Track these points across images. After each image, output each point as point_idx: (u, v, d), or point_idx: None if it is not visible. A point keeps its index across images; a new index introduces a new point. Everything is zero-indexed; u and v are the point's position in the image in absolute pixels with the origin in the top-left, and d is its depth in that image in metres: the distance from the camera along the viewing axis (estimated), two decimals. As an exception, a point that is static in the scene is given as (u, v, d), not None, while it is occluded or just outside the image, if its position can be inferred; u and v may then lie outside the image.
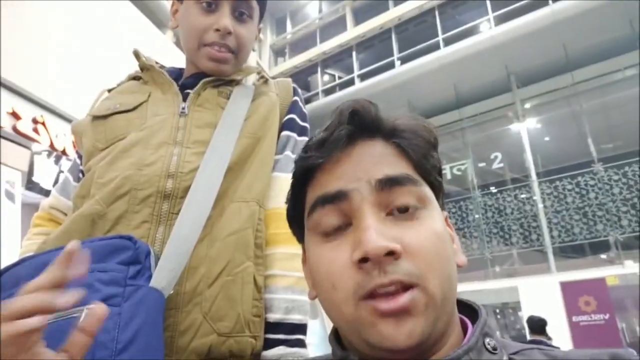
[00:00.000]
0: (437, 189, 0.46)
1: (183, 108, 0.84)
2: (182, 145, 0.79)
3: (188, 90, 0.88)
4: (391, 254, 0.39)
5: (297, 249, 0.75)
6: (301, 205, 0.49)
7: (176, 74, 0.95)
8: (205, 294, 0.70)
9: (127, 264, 0.62)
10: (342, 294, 0.41)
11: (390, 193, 0.42)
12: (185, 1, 0.90)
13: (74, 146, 0.91)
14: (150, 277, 0.64)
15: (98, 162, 0.79)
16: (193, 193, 0.73)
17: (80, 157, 0.92)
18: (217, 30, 0.86)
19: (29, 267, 0.63)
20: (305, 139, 0.94)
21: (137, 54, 0.95)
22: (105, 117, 0.85)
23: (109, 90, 0.96)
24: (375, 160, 0.44)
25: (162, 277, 0.64)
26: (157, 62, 0.97)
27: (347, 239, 0.42)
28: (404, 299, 0.38)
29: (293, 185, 0.50)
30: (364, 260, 0.39)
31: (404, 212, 0.42)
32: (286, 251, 0.81)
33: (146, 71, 0.93)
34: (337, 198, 0.43)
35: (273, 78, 1.01)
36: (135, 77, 0.96)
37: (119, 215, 0.72)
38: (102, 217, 0.72)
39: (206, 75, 0.89)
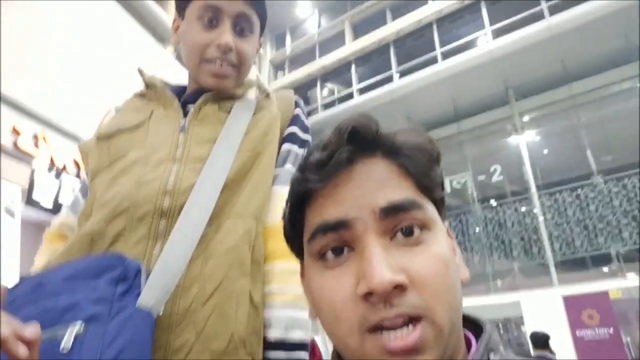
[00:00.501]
0: (439, 203, 0.45)
1: (183, 124, 0.84)
2: (181, 161, 0.79)
3: (190, 106, 0.88)
4: (397, 286, 0.37)
5: (296, 264, 0.75)
6: (300, 226, 0.48)
7: (179, 90, 0.95)
8: (199, 313, 0.69)
9: (116, 282, 0.62)
10: (347, 326, 0.39)
11: (394, 219, 0.41)
12: (186, 18, 0.90)
13: (84, 165, 0.93)
14: (139, 295, 0.63)
15: (101, 181, 0.80)
16: (187, 211, 0.73)
17: (83, 186, 0.93)
18: (219, 46, 0.86)
19: (26, 286, 0.64)
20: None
21: (140, 72, 0.96)
22: (109, 136, 0.86)
23: (116, 109, 0.97)
24: (377, 183, 0.42)
25: (151, 296, 0.63)
26: (161, 80, 0.97)
27: (349, 268, 0.41)
28: (413, 337, 0.37)
29: (291, 206, 0.48)
30: (369, 294, 0.38)
31: (408, 236, 0.40)
32: (285, 267, 0.79)
33: (149, 88, 0.94)
34: (339, 227, 0.41)
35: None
36: (140, 95, 0.97)
37: (117, 233, 0.72)
38: (101, 235, 0.72)
39: (207, 91, 0.90)
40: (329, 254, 0.42)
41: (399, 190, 0.42)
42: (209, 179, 0.76)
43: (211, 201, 0.75)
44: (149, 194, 0.74)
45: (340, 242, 0.42)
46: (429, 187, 0.44)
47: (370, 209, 0.41)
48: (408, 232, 0.40)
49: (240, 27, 0.88)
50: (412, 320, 0.37)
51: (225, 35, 0.86)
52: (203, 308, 0.69)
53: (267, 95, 0.96)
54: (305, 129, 0.96)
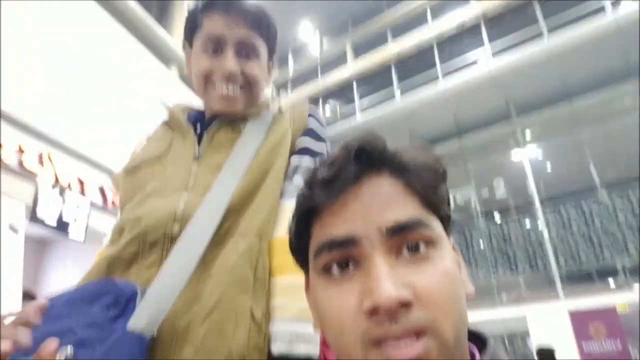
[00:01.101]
0: (445, 220, 0.46)
1: (197, 153, 0.87)
2: (192, 190, 0.82)
3: (205, 134, 0.91)
4: (403, 303, 0.38)
5: (301, 278, 0.74)
6: (306, 240, 0.48)
7: (197, 117, 0.97)
8: (198, 330, 0.71)
9: (108, 308, 0.64)
10: (351, 339, 0.40)
11: (400, 238, 0.41)
12: (193, 51, 0.94)
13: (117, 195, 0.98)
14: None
15: (124, 212, 0.85)
16: (185, 235, 0.76)
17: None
18: (222, 73, 0.89)
19: (54, 304, 0.68)
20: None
21: (162, 104, 1.00)
22: (134, 170, 0.90)
23: (147, 138, 1.01)
24: (383, 201, 0.43)
25: (141, 319, 0.65)
26: (183, 107, 1.01)
27: (355, 284, 0.41)
28: (416, 349, 0.37)
29: (297, 221, 0.49)
30: (374, 310, 0.38)
31: (414, 252, 0.41)
32: (290, 281, 0.77)
33: (171, 117, 0.97)
34: (346, 244, 0.42)
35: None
36: (165, 123, 1.00)
37: (131, 257, 0.77)
38: (117, 259, 0.77)
39: (221, 116, 0.92)
40: (335, 269, 0.43)
41: (405, 208, 0.43)
42: (209, 204, 0.78)
43: (211, 225, 0.77)
44: (160, 221, 0.78)
45: (346, 258, 0.42)
46: (435, 204, 0.44)
47: (377, 227, 0.41)
48: (414, 249, 0.41)
49: (245, 52, 0.91)
50: (417, 333, 0.38)
51: (228, 62, 0.89)
52: (202, 325, 0.71)
53: (281, 112, 0.97)
54: (319, 139, 0.94)
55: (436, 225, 0.43)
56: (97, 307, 0.64)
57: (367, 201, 0.43)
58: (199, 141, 0.90)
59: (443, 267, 0.41)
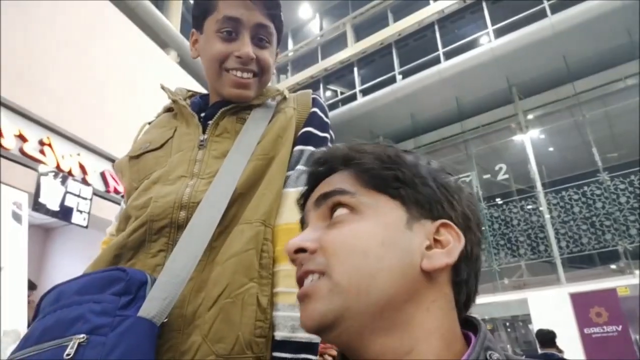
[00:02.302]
0: (398, 197, 0.48)
1: (202, 140, 0.87)
2: (198, 177, 0.82)
3: (210, 122, 0.90)
4: (302, 250, 0.48)
5: None
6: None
7: (201, 104, 0.98)
8: (205, 317, 0.72)
9: (120, 295, 0.65)
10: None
11: (325, 206, 0.50)
12: (205, 32, 0.92)
13: (120, 181, 0.98)
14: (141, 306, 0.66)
15: (130, 199, 0.86)
16: (192, 223, 0.76)
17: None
18: (239, 56, 0.87)
19: (52, 294, 0.70)
20: (324, 149, 0.93)
21: (163, 87, 0.98)
22: (138, 157, 0.90)
23: (149, 123, 1.00)
24: (324, 185, 0.53)
25: (152, 307, 0.66)
26: (186, 92, 1.00)
27: None
28: (305, 286, 0.46)
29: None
30: (291, 260, 0.50)
31: (338, 220, 0.48)
32: (292, 267, 0.80)
33: (174, 103, 0.96)
34: (302, 223, 0.56)
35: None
36: (169, 109, 1.00)
37: (137, 245, 0.78)
38: (124, 247, 0.78)
39: (226, 104, 0.91)
40: None
41: (339, 185, 0.50)
42: (216, 191, 0.79)
43: (218, 212, 0.77)
44: (166, 208, 0.78)
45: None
46: (372, 182, 0.49)
47: (312, 202, 0.53)
48: (340, 217, 0.48)
49: (259, 38, 0.90)
50: (319, 274, 0.46)
51: (246, 47, 0.87)
52: (209, 312, 0.72)
53: (285, 98, 0.97)
54: (323, 127, 0.94)
55: (367, 197, 0.48)
56: (108, 294, 0.65)
57: (318, 189, 0.53)
58: (204, 128, 0.89)
59: (354, 228, 0.46)
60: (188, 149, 0.87)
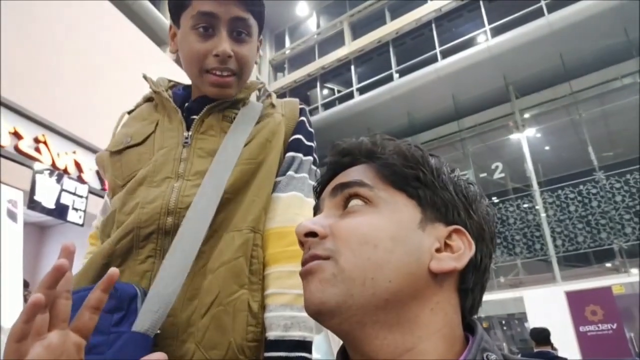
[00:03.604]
0: (415, 197, 0.48)
1: (186, 137, 0.85)
2: (183, 178, 0.81)
3: (194, 117, 0.88)
4: (312, 235, 0.47)
5: (294, 266, 0.78)
6: None
7: (184, 97, 0.95)
8: (198, 324, 0.73)
9: (112, 312, 0.65)
10: None
11: (341, 196, 0.50)
12: (181, 26, 0.88)
13: (103, 175, 0.97)
14: (134, 321, 0.66)
15: (117, 199, 0.84)
16: (182, 232, 0.75)
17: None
18: (217, 55, 0.84)
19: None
20: (311, 158, 0.93)
21: (145, 77, 0.96)
22: (119, 152, 0.88)
23: (129, 113, 0.98)
24: (343, 175, 0.52)
25: (146, 320, 0.66)
26: (167, 83, 0.97)
27: None
28: (310, 264, 0.46)
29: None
30: (300, 243, 0.49)
31: (353, 210, 0.48)
32: (284, 269, 0.80)
33: (156, 94, 0.93)
34: (315, 210, 0.56)
35: (275, 93, 1.00)
36: (149, 99, 0.97)
37: (125, 252, 0.77)
38: (111, 255, 0.77)
39: (210, 100, 0.89)
40: None
41: (354, 177, 0.51)
42: (204, 197, 0.78)
43: (206, 221, 0.76)
44: (152, 215, 0.77)
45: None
46: (391, 178, 0.49)
47: (329, 191, 0.52)
48: (355, 208, 0.48)
49: (238, 32, 0.86)
50: (325, 259, 0.46)
51: (223, 44, 0.84)
52: (202, 320, 0.73)
53: (272, 105, 0.95)
54: (309, 137, 0.96)
55: (384, 192, 0.48)
56: (100, 312, 0.65)
57: (337, 180, 0.53)
58: (187, 124, 0.87)
59: (368, 219, 0.47)
60: (172, 146, 0.85)
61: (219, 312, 0.74)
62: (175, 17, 0.89)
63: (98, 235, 0.95)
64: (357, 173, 0.51)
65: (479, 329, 0.46)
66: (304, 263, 0.48)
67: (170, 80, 1.00)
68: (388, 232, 0.46)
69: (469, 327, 0.48)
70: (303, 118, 0.96)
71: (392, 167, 0.49)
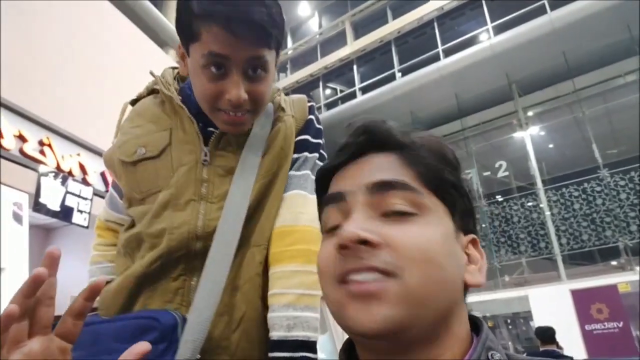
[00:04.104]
0: (451, 205, 0.46)
1: (206, 155, 0.83)
2: (206, 200, 0.81)
3: (210, 129, 0.85)
4: (365, 243, 0.41)
5: (297, 265, 0.81)
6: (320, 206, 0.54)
7: (196, 103, 0.86)
8: (231, 338, 0.77)
9: (157, 343, 0.68)
10: (327, 277, 0.44)
11: (384, 196, 0.44)
12: (191, 57, 0.79)
13: (111, 174, 0.94)
14: (176, 349, 0.70)
15: (140, 218, 0.84)
16: (210, 258, 0.76)
17: (115, 185, 0.96)
18: (230, 100, 0.77)
19: (87, 333, 0.69)
20: (316, 155, 0.93)
21: (153, 75, 0.94)
22: (133, 163, 0.85)
23: (132, 104, 0.96)
24: (377, 167, 0.47)
25: (187, 349, 0.69)
26: (173, 74, 0.94)
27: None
28: (375, 285, 0.40)
29: (316, 188, 0.55)
30: (343, 247, 0.42)
31: (400, 216, 0.43)
32: (286, 269, 0.81)
33: (167, 98, 0.88)
34: (336, 199, 0.48)
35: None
36: (153, 90, 0.94)
37: (157, 273, 0.80)
38: (144, 276, 0.80)
39: None
40: (329, 225, 0.48)
41: (396, 174, 0.46)
42: (228, 223, 0.79)
43: (232, 245, 0.78)
44: (181, 241, 0.79)
45: (339, 214, 0.47)
46: (433, 181, 0.46)
47: (364, 184, 0.46)
48: (400, 214, 0.43)
49: (253, 69, 0.77)
50: (383, 273, 0.40)
51: (235, 89, 0.76)
52: (233, 335, 0.77)
53: (283, 109, 0.93)
54: (317, 134, 0.95)
55: (428, 199, 0.45)
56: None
57: (363, 167, 0.48)
58: (203, 136, 0.84)
59: (424, 231, 0.43)
60: (191, 163, 0.83)
61: (248, 327, 0.78)
62: (184, 44, 0.81)
63: (111, 227, 1.00)
64: (389, 167, 0.47)
65: (485, 327, 0.46)
66: (355, 270, 0.41)
67: (174, 68, 0.95)
68: (443, 247, 0.43)
69: (474, 326, 0.48)
70: (311, 116, 0.96)
71: (433, 170, 0.46)
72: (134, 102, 0.96)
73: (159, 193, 0.83)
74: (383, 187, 0.44)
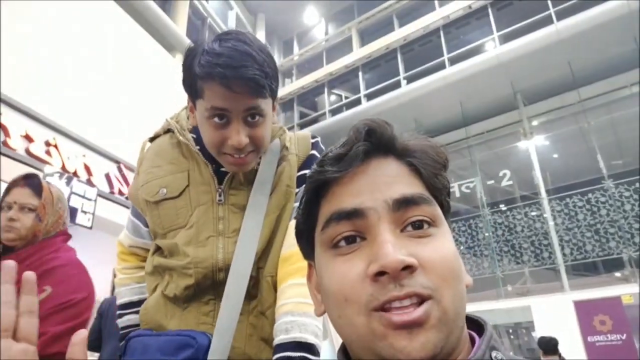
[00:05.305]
0: (445, 209, 0.48)
1: (220, 195, 0.95)
2: (224, 235, 0.93)
3: (222, 169, 0.96)
4: (407, 268, 0.39)
5: (296, 279, 0.90)
6: (314, 218, 0.50)
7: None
8: (261, 356, 0.91)
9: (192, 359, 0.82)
10: (355, 306, 0.41)
11: (405, 212, 0.43)
12: (198, 109, 0.90)
13: (136, 205, 1.10)
14: None
15: (167, 251, 0.97)
16: (227, 290, 0.89)
17: (138, 214, 1.07)
18: (232, 146, 0.88)
19: (139, 341, 0.93)
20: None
21: (169, 123, 1.04)
22: (156, 203, 0.97)
23: (151, 140, 1.07)
24: (390, 179, 0.45)
25: None
26: (187, 122, 1.01)
27: (361, 253, 0.43)
28: (417, 312, 0.38)
29: (306, 200, 0.51)
30: (380, 273, 0.39)
31: (417, 229, 0.43)
32: (286, 284, 0.91)
33: (185, 147, 1.00)
34: (353, 215, 0.44)
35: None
36: (168, 129, 1.04)
37: (190, 297, 0.93)
38: (176, 298, 0.93)
39: None
40: (342, 243, 0.44)
41: (411, 186, 0.45)
42: (241, 255, 0.91)
43: (246, 273, 0.90)
44: (207, 274, 0.91)
45: (352, 229, 0.44)
46: (437, 188, 0.47)
47: (384, 200, 0.43)
48: (418, 225, 0.43)
49: (251, 117, 0.88)
50: (420, 299, 0.39)
51: (236, 136, 0.87)
52: (263, 352, 0.91)
53: (287, 148, 1.03)
54: None
55: (437, 207, 0.46)
56: (181, 358, 0.83)
57: (375, 177, 0.45)
58: (217, 176, 0.96)
59: (446, 244, 0.43)
60: (208, 203, 0.95)
61: (268, 355, 0.90)
62: (191, 100, 0.93)
63: (135, 252, 1.13)
64: (407, 180, 0.46)
65: (489, 327, 0.46)
66: (399, 298, 0.39)
67: (190, 134, 1.02)
68: (458, 258, 0.44)
69: (471, 325, 0.49)
70: (314, 152, 1.05)
71: (434, 177, 0.46)
72: (152, 140, 1.07)
73: (180, 229, 0.95)
74: (405, 202, 0.43)
